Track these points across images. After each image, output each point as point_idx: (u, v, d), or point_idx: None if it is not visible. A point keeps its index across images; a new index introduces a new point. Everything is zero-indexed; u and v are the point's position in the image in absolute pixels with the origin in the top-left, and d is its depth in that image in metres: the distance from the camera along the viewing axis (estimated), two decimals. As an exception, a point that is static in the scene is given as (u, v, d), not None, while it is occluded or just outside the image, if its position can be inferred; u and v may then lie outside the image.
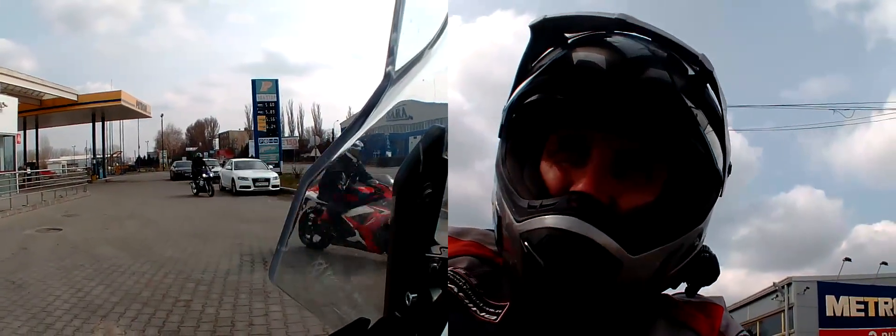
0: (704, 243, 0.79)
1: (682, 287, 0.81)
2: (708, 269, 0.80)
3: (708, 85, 0.71)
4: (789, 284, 15.77)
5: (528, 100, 0.72)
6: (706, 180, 0.72)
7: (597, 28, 0.73)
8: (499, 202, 0.75)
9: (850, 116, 16.28)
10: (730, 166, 0.76)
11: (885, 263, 16.07)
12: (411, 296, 0.67)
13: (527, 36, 0.76)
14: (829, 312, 15.32)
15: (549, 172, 0.74)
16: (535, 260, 0.69)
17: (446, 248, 0.67)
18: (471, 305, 0.77)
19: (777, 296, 16.07)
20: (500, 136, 0.78)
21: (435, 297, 0.66)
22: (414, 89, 0.70)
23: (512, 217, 0.72)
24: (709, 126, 0.70)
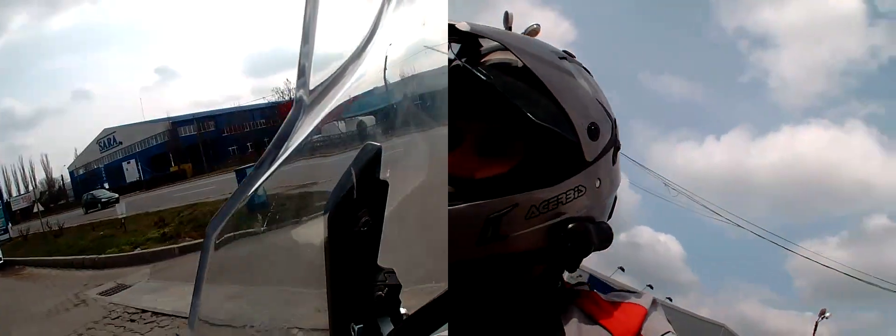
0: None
1: (647, 289, 0.87)
2: (574, 238, 0.79)
3: (519, 57, 0.78)
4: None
5: None
6: (553, 148, 0.78)
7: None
8: None
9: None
10: (594, 129, 0.80)
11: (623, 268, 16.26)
12: (357, 327, 0.64)
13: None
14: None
15: None
16: None
17: (393, 273, 0.65)
18: None
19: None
20: None
21: (384, 328, 0.64)
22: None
23: None
24: (537, 94, 0.77)
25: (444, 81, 0.62)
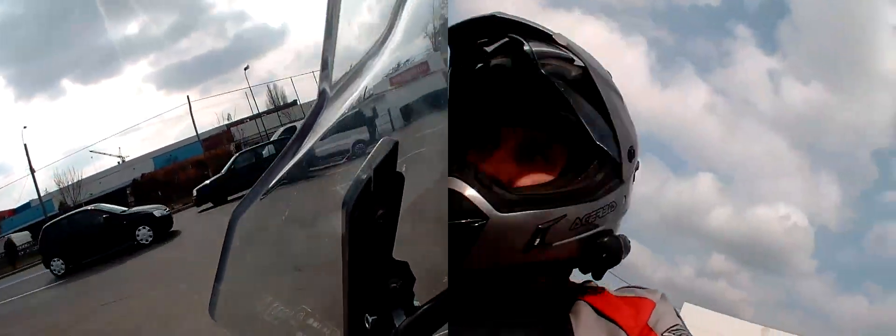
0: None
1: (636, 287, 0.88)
2: (609, 250, 0.81)
3: (592, 77, 0.79)
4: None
5: (455, 102, 0.79)
6: (600, 166, 0.80)
7: (482, 31, 0.82)
8: None
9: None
10: (632, 151, 0.84)
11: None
12: (371, 318, 0.65)
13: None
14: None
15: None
16: None
17: (407, 266, 0.66)
18: None
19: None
20: None
21: (397, 320, 0.65)
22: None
23: None
24: (594, 112, 0.79)
25: (468, 81, 0.61)
